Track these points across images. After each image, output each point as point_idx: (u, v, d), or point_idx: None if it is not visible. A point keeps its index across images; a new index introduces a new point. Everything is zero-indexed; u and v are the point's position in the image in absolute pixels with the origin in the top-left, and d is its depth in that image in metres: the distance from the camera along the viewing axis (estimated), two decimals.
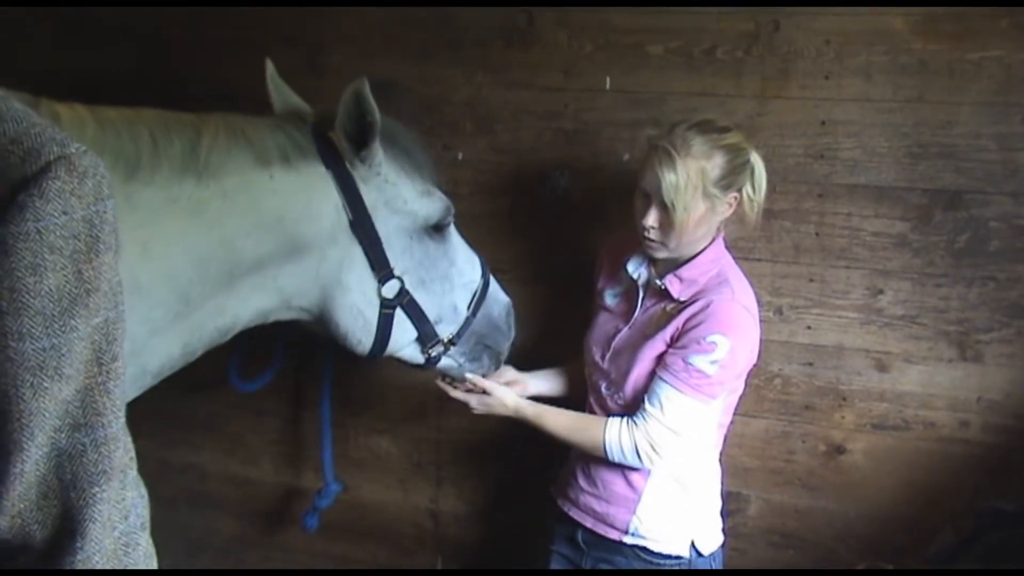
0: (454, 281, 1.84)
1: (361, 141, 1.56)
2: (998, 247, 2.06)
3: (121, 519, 0.70)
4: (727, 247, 1.96)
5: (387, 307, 1.67)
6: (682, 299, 1.88)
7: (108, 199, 0.66)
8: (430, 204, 1.71)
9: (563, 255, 2.38)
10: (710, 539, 2.01)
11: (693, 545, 1.97)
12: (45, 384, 0.62)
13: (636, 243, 1.92)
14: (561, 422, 1.96)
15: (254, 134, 1.47)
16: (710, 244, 1.91)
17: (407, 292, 1.69)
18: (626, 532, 1.97)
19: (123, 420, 0.70)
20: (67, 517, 0.66)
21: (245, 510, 2.87)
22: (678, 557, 1.96)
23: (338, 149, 1.56)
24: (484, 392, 1.97)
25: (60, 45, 2.68)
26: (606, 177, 2.29)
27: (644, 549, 1.96)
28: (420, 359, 1.86)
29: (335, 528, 2.73)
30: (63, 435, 0.65)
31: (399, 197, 1.65)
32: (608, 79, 2.25)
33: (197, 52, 2.56)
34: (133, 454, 0.72)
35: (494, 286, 1.97)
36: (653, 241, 1.85)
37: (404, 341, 1.78)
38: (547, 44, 2.28)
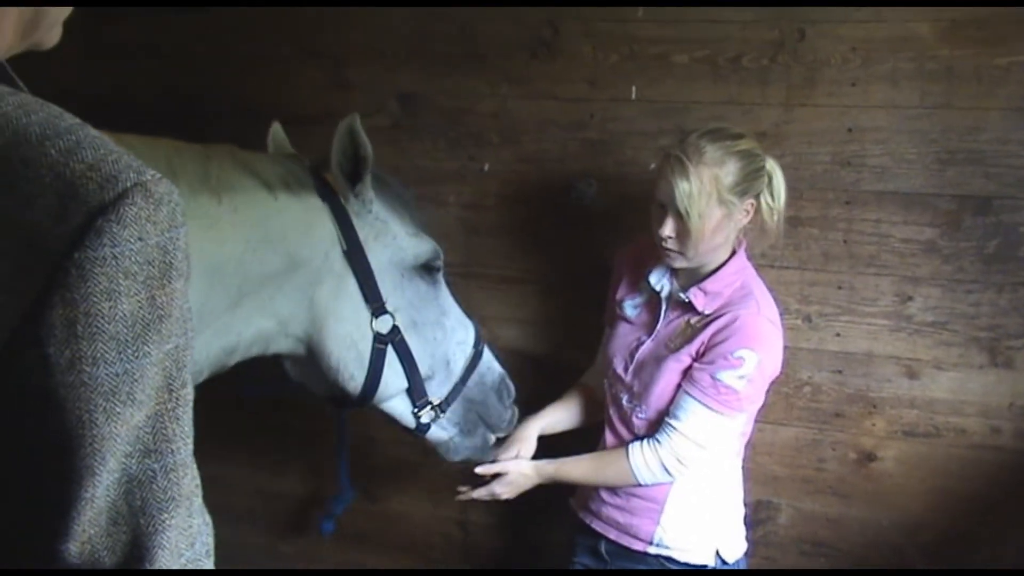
0: (447, 331, 1.83)
1: (355, 176, 1.64)
2: None
3: (188, 546, 0.70)
4: (748, 258, 1.95)
5: (380, 342, 1.70)
6: (707, 312, 1.87)
7: (181, 227, 0.67)
8: (419, 243, 1.77)
9: (589, 264, 2.37)
10: (734, 547, 2.01)
11: (718, 553, 1.96)
12: (118, 409, 0.62)
13: (654, 252, 1.91)
14: (584, 467, 1.98)
15: (258, 165, 1.58)
16: (732, 256, 1.90)
17: (399, 330, 1.72)
18: (651, 543, 1.96)
19: (191, 447, 0.70)
20: (136, 544, 0.65)
21: (274, 521, 2.88)
22: (703, 566, 1.96)
23: (332, 187, 1.65)
24: (499, 475, 1.96)
25: (83, 63, 2.70)
26: (632, 186, 2.28)
27: (669, 559, 1.96)
28: (410, 420, 1.84)
29: (364, 538, 2.74)
30: (133, 461, 0.65)
31: (389, 233, 1.72)
32: (634, 89, 2.25)
33: (221, 68, 2.58)
34: (199, 482, 0.73)
35: (488, 356, 1.95)
36: (671, 251, 1.85)
37: (394, 387, 1.77)
38: (572, 55, 2.29)
